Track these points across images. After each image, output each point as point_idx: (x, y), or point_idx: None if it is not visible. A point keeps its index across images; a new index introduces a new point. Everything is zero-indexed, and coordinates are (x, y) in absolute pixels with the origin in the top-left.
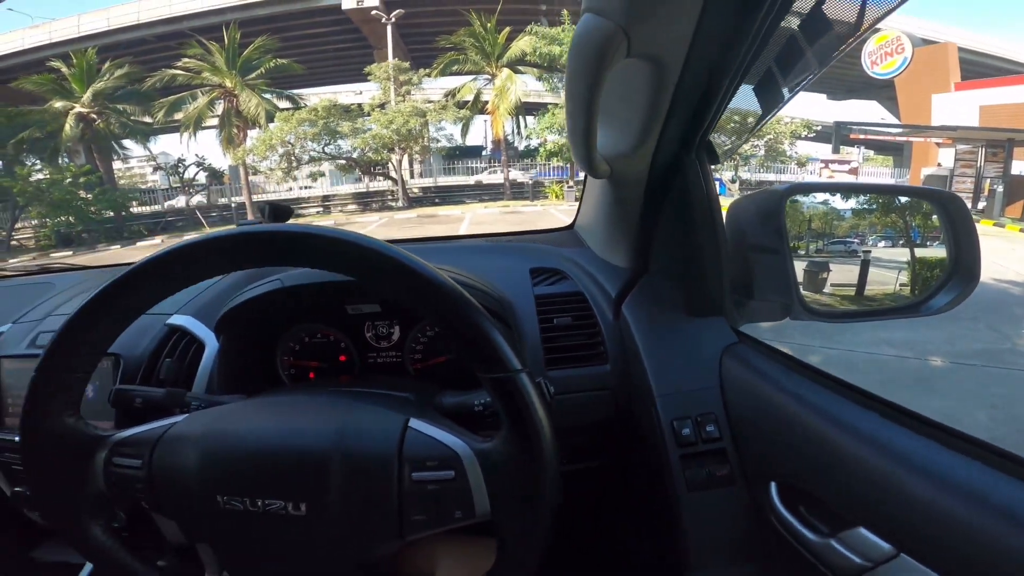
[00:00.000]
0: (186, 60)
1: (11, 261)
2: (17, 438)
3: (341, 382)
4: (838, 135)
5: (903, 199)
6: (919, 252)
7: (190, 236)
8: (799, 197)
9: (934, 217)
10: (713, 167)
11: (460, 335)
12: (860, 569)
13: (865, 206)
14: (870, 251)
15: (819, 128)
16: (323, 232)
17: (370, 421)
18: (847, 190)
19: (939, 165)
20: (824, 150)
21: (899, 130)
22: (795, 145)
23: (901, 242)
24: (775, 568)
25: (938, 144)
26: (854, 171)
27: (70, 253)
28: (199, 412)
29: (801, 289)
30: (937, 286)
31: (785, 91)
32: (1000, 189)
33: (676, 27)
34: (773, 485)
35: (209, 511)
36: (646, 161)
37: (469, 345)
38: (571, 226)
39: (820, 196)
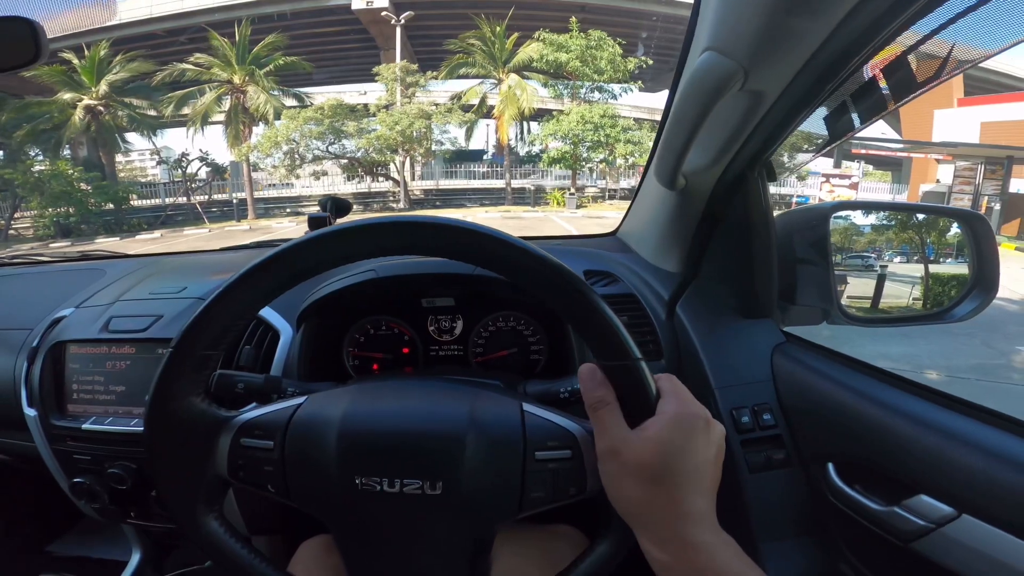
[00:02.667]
0: (198, 56)
1: (7, 251)
2: (85, 425)
3: (406, 373)
4: (840, 149)
5: (920, 216)
6: (932, 268)
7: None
8: (841, 213)
9: (948, 235)
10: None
11: (587, 324)
12: (925, 530)
13: (884, 222)
14: (887, 266)
15: (819, 141)
16: (487, 231)
17: (493, 404)
18: (885, 209)
19: (938, 181)
20: (824, 164)
21: (900, 145)
22: (795, 158)
23: (916, 258)
24: (833, 538)
25: (938, 160)
26: (854, 186)
27: (68, 244)
28: (320, 395)
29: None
30: (961, 297)
31: (857, 121)
32: (997, 207)
33: (786, 66)
34: (831, 465)
35: (345, 493)
36: (715, 177)
37: (594, 334)
38: (613, 233)
39: (843, 212)
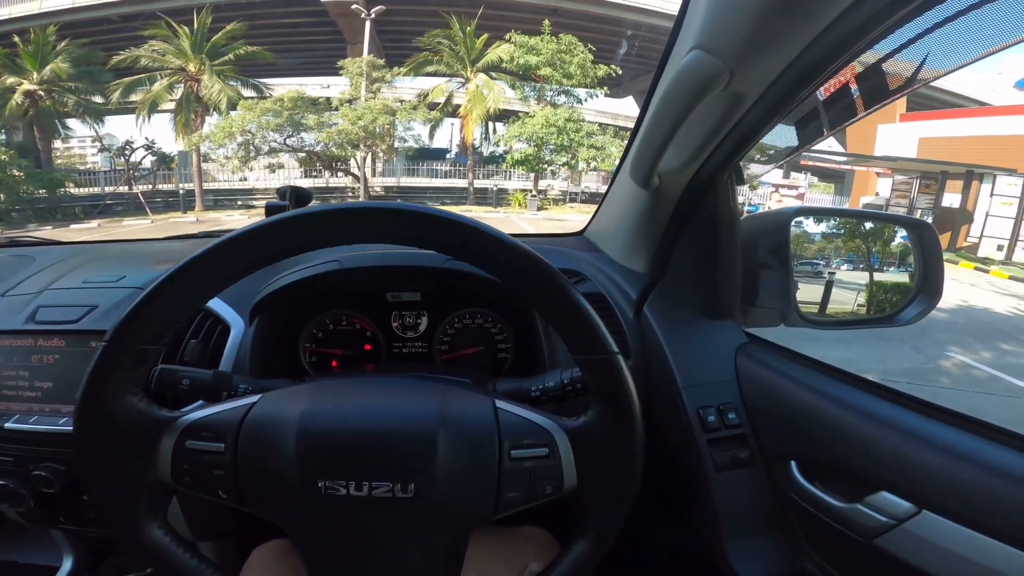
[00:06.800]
0: (153, 42)
1: None
2: (7, 424)
3: (367, 370)
4: (789, 161)
5: (868, 225)
6: (877, 276)
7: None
8: (802, 218)
9: (891, 245)
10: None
11: (564, 318)
12: (887, 526)
13: (834, 231)
14: (835, 272)
15: (771, 152)
16: (466, 221)
17: (464, 401)
18: (840, 215)
19: (877, 194)
20: (774, 174)
21: (844, 159)
22: (748, 167)
23: (861, 266)
24: (796, 536)
25: (878, 174)
26: (800, 196)
27: None
28: (276, 393)
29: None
30: (907, 301)
31: (826, 128)
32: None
33: (769, 68)
34: (793, 463)
35: (307, 497)
36: (687, 178)
37: (572, 328)
38: (580, 233)
39: (800, 218)
